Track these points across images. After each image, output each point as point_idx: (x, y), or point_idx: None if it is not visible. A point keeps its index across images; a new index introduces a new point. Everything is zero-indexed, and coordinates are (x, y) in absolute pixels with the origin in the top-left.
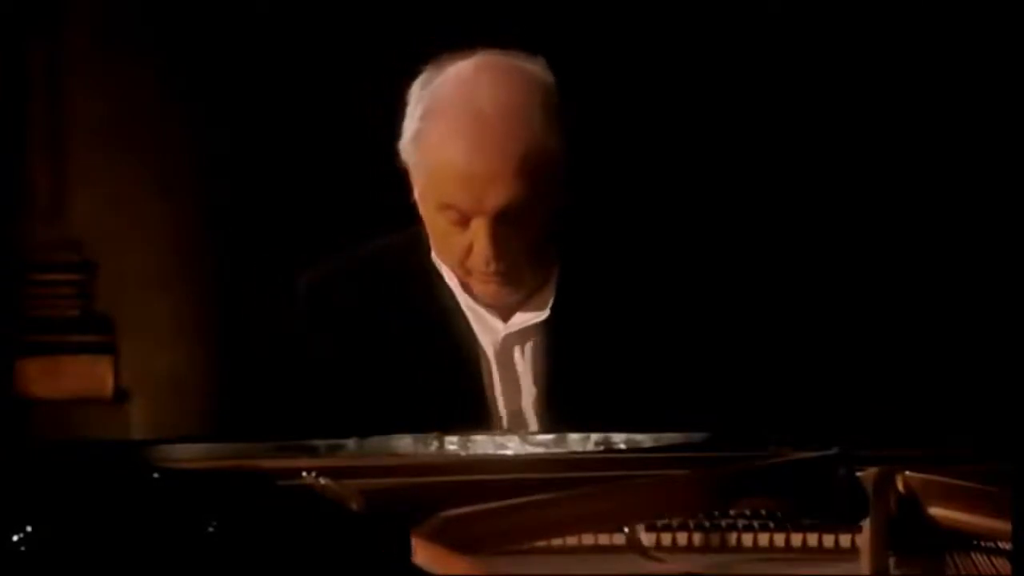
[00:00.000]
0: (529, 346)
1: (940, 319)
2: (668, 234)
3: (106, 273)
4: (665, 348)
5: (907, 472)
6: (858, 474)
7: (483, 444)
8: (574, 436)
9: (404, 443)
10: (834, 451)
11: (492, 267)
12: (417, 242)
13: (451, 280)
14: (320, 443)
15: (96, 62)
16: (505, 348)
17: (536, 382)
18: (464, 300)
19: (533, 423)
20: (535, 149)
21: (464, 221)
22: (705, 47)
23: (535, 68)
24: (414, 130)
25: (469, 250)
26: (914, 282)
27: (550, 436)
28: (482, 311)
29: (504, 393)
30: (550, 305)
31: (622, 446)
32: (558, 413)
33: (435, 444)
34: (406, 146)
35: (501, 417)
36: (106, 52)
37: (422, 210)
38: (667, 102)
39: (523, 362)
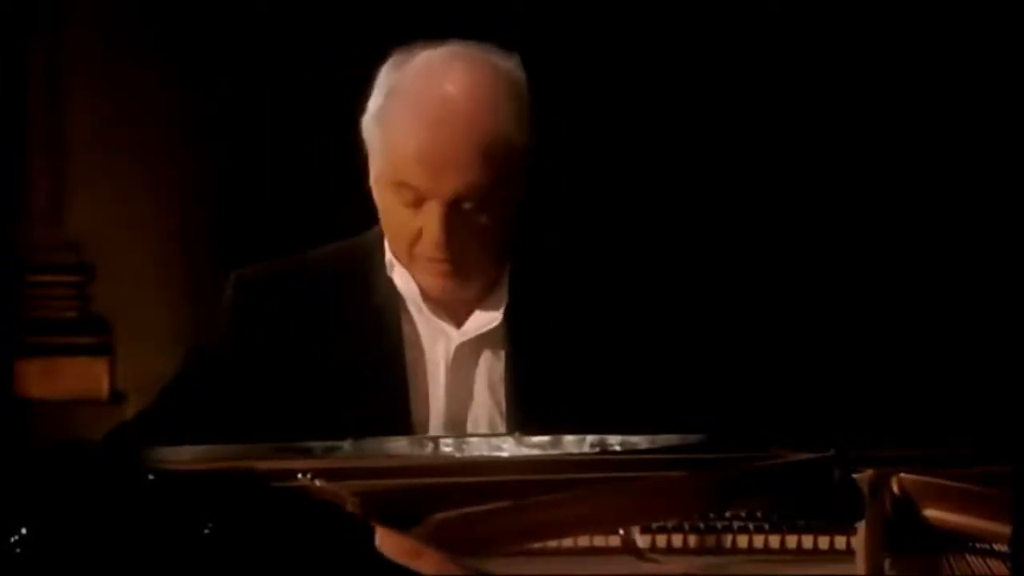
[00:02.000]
0: (485, 352)
1: (939, 319)
2: (645, 233)
3: (103, 275)
4: (632, 349)
5: (902, 473)
6: (855, 476)
7: (478, 446)
8: (570, 438)
9: (400, 445)
10: (831, 452)
11: (440, 253)
12: (361, 249)
13: (407, 285)
14: (316, 444)
15: (96, 62)
16: (459, 355)
17: (494, 387)
18: (417, 307)
19: (481, 429)
20: (498, 138)
21: (417, 202)
22: (676, 46)
23: (508, 63)
24: (377, 107)
25: (419, 234)
26: (912, 282)
27: (546, 438)
28: (435, 319)
29: (453, 400)
30: (503, 309)
31: (618, 448)
32: (522, 418)
33: (430, 446)
34: (368, 122)
35: (439, 424)
36: (106, 52)
37: (376, 193)
38: (643, 98)
39: (477, 368)
